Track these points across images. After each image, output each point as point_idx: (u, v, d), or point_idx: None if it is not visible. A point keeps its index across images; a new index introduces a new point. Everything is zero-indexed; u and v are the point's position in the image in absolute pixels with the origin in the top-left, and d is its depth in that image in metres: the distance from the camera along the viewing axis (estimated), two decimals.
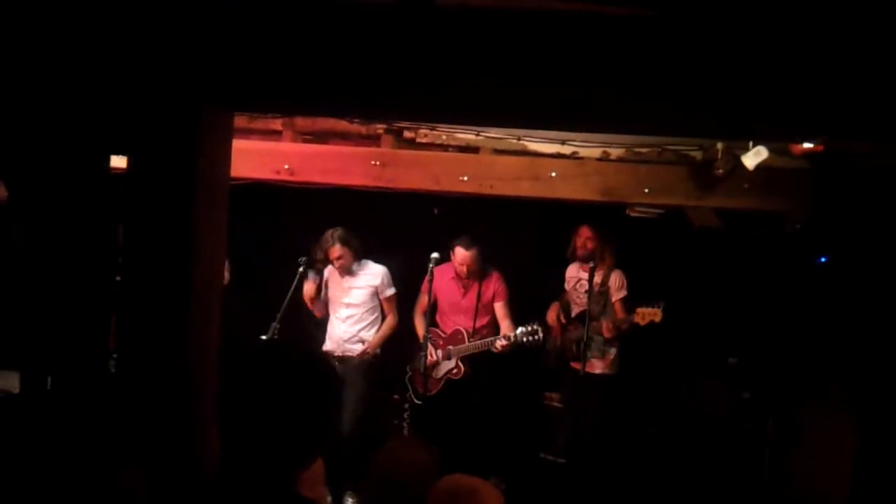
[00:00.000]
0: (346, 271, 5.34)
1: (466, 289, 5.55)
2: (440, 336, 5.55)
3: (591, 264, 5.17)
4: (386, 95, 2.59)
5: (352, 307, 5.40)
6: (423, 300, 5.46)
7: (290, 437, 1.60)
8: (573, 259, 5.38)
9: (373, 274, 5.43)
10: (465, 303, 5.55)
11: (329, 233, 5.27)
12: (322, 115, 4.29)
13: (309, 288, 5.35)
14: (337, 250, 5.23)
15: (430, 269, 5.20)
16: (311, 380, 1.65)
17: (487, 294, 5.52)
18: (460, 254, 5.41)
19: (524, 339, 5.24)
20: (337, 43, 2.56)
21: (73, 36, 2.57)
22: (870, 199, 4.20)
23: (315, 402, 1.64)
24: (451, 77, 2.57)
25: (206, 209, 2.60)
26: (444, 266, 5.50)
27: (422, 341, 5.38)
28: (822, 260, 4.14)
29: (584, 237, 5.25)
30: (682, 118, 2.68)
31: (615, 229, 5.31)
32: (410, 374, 5.64)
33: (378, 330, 5.46)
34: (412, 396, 5.59)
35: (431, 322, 5.47)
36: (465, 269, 5.44)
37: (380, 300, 5.47)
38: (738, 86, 2.56)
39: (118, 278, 2.64)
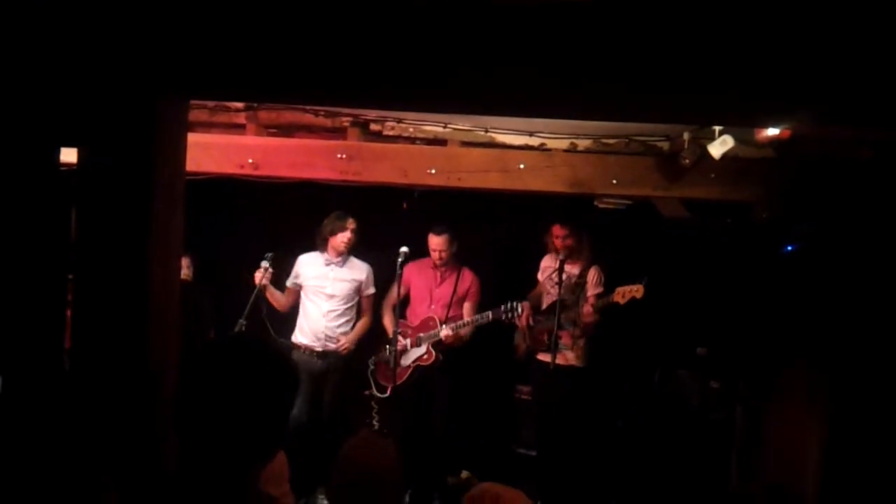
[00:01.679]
0: (343, 253, 5.28)
1: (443, 278, 5.52)
2: (409, 327, 5.51)
3: (562, 256, 5.16)
4: (346, 80, 2.54)
5: (334, 300, 5.33)
6: (393, 294, 5.42)
7: (248, 432, 1.58)
8: (562, 255, 5.30)
9: (359, 269, 5.41)
10: (440, 291, 5.51)
11: (335, 213, 5.26)
12: (282, 101, 4.20)
13: (260, 277, 5.17)
14: (354, 223, 5.23)
15: (398, 263, 5.16)
16: (267, 373, 1.63)
17: (463, 287, 5.50)
18: (432, 240, 5.40)
19: (501, 317, 5.23)
20: (293, 26, 2.50)
21: (19, 22, 2.49)
22: (836, 188, 4.23)
23: (272, 396, 1.62)
24: (415, 60, 2.52)
25: (162, 202, 2.54)
26: (420, 261, 5.50)
27: (391, 335, 5.33)
28: (790, 249, 4.16)
29: (560, 235, 5.23)
30: (650, 102, 2.66)
31: (584, 222, 5.30)
32: (373, 367, 5.59)
33: (353, 327, 5.43)
34: (374, 390, 5.54)
35: (401, 316, 5.43)
36: (438, 254, 5.41)
37: (360, 297, 5.42)
38: (711, 69, 2.54)
39: (70, 276, 2.56)
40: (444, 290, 5.51)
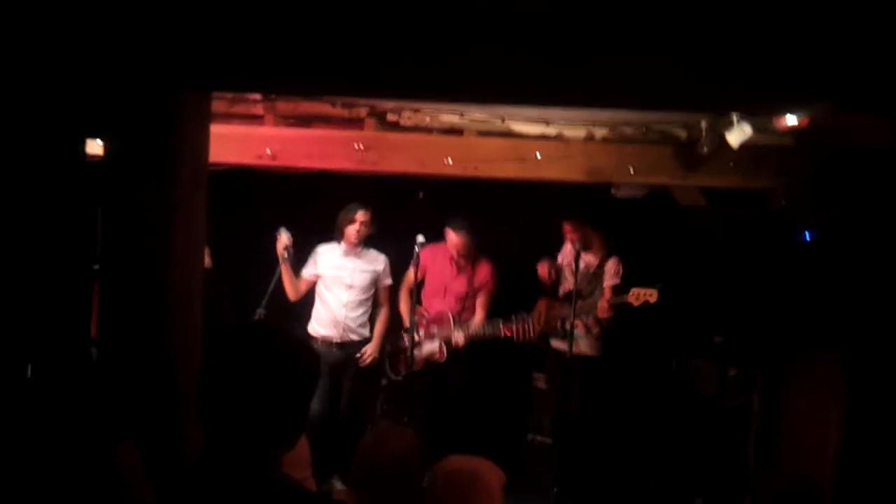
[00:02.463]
0: (356, 244, 5.30)
1: (460, 270, 5.54)
2: (423, 316, 5.54)
3: (578, 247, 5.17)
4: (368, 70, 2.55)
5: (353, 290, 5.35)
6: (410, 278, 5.44)
7: (271, 418, 1.59)
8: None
9: (377, 259, 5.43)
10: (457, 284, 5.53)
11: (353, 203, 5.28)
12: (301, 93, 4.22)
13: (282, 245, 5.17)
14: (366, 214, 5.24)
15: (415, 254, 5.17)
16: (291, 359, 1.64)
17: (479, 280, 5.53)
18: (451, 236, 5.43)
19: (512, 326, 5.31)
20: (313, 18, 2.51)
21: (46, 18, 2.52)
22: (855, 176, 4.21)
23: (296, 383, 1.64)
24: (433, 49, 2.53)
25: (185, 192, 2.57)
26: (437, 245, 5.50)
27: (407, 322, 5.37)
28: (808, 237, 4.14)
29: (567, 230, 5.28)
30: (666, 90, 2.66)
31: (598, 215, 5.30)
32: (390, 350, 5.63)
33: (369, 318, 5.46)
34: (389, 373, 5.58)
35: (416, 301, 5.45)
36: (457, 252, 5.45)
37: (378, 288, 5.45)
38: (728, 55, 2.54)
39: (96, 266, 2.60)
40: (460, 283, 5.53)
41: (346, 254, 5.35)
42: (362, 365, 5.39)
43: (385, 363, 5.63)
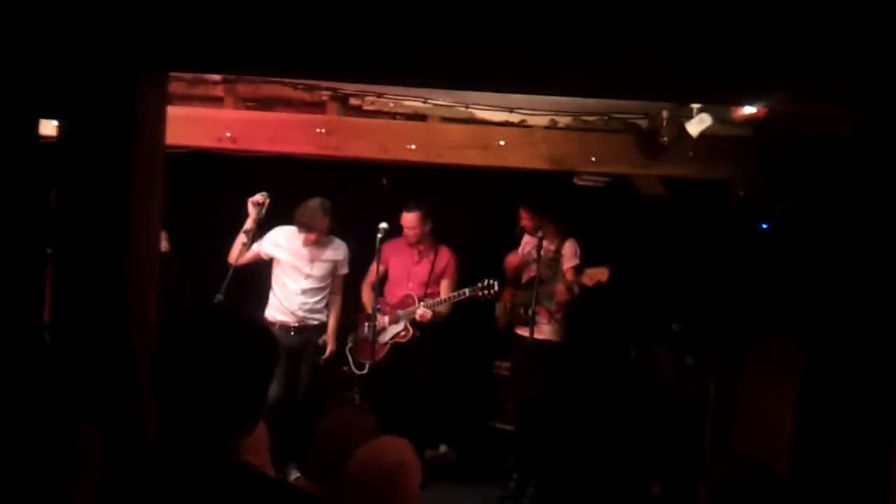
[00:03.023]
0: (316, 243, 5.26)
1: (421, 256, 5.56)
2: (387, 304, 5.53)
3: (540, 234, 5.20)
4: (326, 53, 2.53)
5: (311, 279, 5.32)
6: (372, 271, 5.43)
7: (227, 401, 1.57)
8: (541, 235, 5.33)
9: (337, 248, 5.40)
10: (419, 269, 5.54)
11: (319, 202, 5.19)
12: (262, 74, 4.17)
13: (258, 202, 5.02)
14: (325, 224, 5.19)
15: (378, 239, 5.14)
16: (248, 341, 1.62)
17: (440, 265, 5.54)
18: (404, 217, 5.44)
19: (478, 293, 5.27)
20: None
21: None
22: (812, 166, 4.28)
23: (253, 365, 1.62)
24: (398, 33, 2.51)
25: (141, 174, 2.52)
26: (398, 240, 5.52)
27: (369, 311, 5.35)
28: (764, 226, 4.21)
29: (523, 217, 5.31)
30: (626, 79, 2.68)
31: (555, 200, 5.33)
32: (352, 344, 5.62)
33: (326, 305, 5.43)
34: (352, 366, 5.57)
35: (379, 293, 5.44)
36: (411, 232, 5.45)
37: (334, 276, 5.42)
38: (687, 44, 2.56)
39: (49, 249, 2.54)
40: (422, 269, 5.54)
41: (307, 243, 5.30)
42: (322, 362, 5.38)
43: (348, 357, 5.61)
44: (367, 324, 5.38)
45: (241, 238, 5.08)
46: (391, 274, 5.62)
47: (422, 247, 5.55)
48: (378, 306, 5.32)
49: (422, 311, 5.37)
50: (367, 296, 5.55)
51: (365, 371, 5.46)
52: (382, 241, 5.17)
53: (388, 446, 2.45)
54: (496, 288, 5.27)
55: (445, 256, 5.55)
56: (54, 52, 2.44)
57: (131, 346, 2.50)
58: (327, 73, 3.47)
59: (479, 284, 5.31)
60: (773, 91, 2.73)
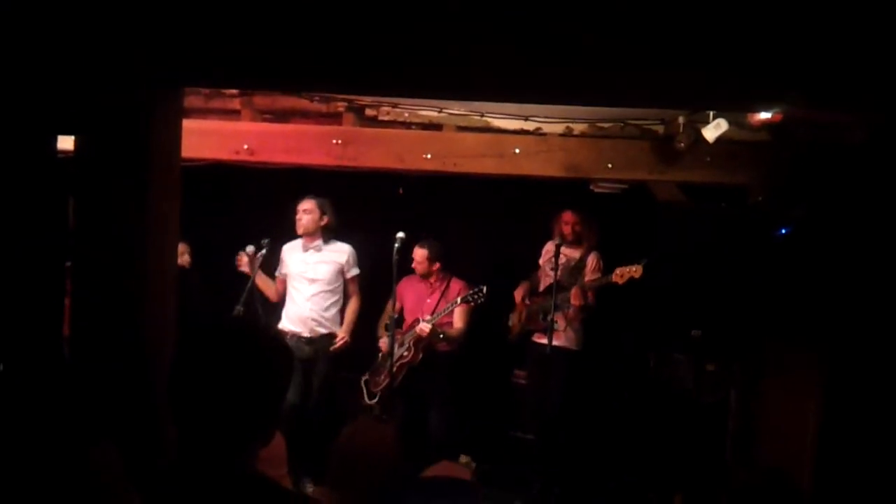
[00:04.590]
0: (310, 240, 5.26)
1: (432, 289, 5.59)
2: (399, 333, 5.54)
3: (557, 241, 5.18)
4: (339, 67, 2.54)
5: (317, 283, 5.29)
6: (388, 310, 5.42)
7: (244, 414, 1.59)
8: (560, 241, 5.30)
9: (340, 251, 5.36)
10: (430, 301, 5.57)
11: (313, 198, 5.21)
12: (275, 89, 4.22)
13: (243, 263, 5.18)
14: (307, 203, 5.18)
15: (395, 249, 5.12)
16: (263, 355, 1.64)
17: (451, 295, 5.53)
18: (415, 251, 5.50)
19: (469, 299, 5.30)
20: (286, 13, 2.50)
21: (18, 15, 2.48)
22: (830, 171, 4.24)
23: (268, 378, 1.63)
24: (411, 46, 2.52)
25: (158, 188, 2.54)
26: (410, 276, 5.59)
27: (385, 350, 5.37)
28: (783, 232, 4.17)
29: (571, 222, 5.27)
30: (640, 86, 2.68)
31: (589, 208, 5.33)
32: (367, 378, 5.65)
33: (340, 311, 5.41)
34: (365, 397, 5.58)
35: (398, 326, 5.47)
36: (418, 266, 5.52)
37: (345, 279, 5.42)
38: (701, 51, 2.55)
39: (68, 263, 2.57)
40: (433, 299, 5.57)
41: (306, 248, 5.30)
42: (334, 350, 5.33)
43: (362, 390, 5.62)
44: (380, 354, 5.45)
45: (260, 281, 5.21)
46: (406, 307, 5.65)
47: (433, 280, 5.58)
48: (393, 334, 5.33)
49: (421, 326, 5.37)
50: (383, 340, 5.56)
51: (375, 400, 5.47)
52: (399, 250, 5.16)
53: (455, 472, 2.46)
54: (484, 292, 5.27)
55: (456, 288, 5.55)
56: (71, 69, 2.47)
57: (148, 358, 2.51)
58: (342, 87, 3.51)
59: (470, 292, 5.32)
60: (787, 97, 2.71)
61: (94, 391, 2.51)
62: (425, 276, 5.57)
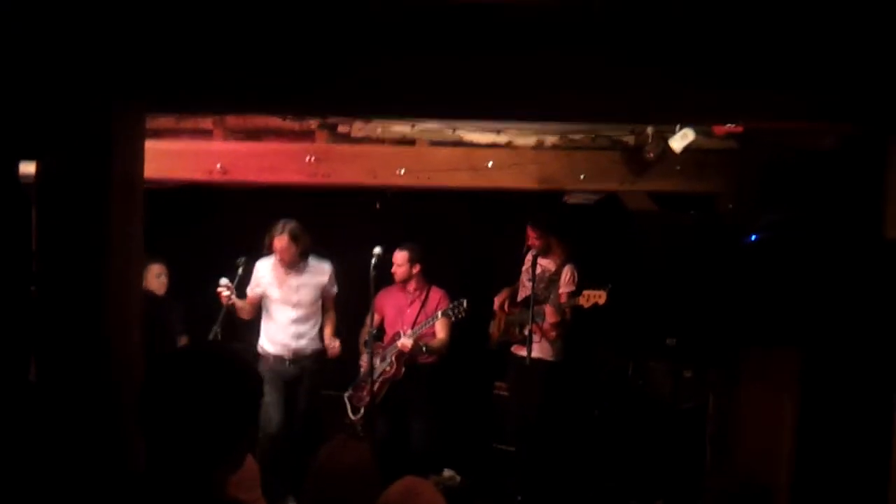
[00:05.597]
0: (290, 266, 5.24)
1: (412, 298, 5.58)
2: (380, 347, 5.55)
3: (535, 252, 5.22)
4: (301, 88, 2.56)
5: (300, 307, 5.29)
6: (367, 326, 5.42)
7: (212, 439, 1.60)
8: (537, 252, 5.36)
9: (321, 271, 5.36)
10: (410, 311, 5.57)
11: (282, 223, 5.17)
12: (239, 112, 4.23)
13: (225, 297, 5.08)
14: (283, 241, 5.13)
15: (372, 265, 5.12)
16: (231, 380, 1.65)
17: (431, 306, 5.55)
18: (395, 254, 5.50)
19: (449, 313, 5.32)
20: (250, 35, 2.51)
21: None
22: (799, 177, 4.29)
23: (236, 402, 1.64)
24: (369, 68, 2.54)
25: (119, 211, 2.54)
26: (389, 287, 5.60)
27: (366, 367, 5.36)
28: (754, 238, 4.21)
29: (531, 236, 5.34)
30: (609, 104, 2.71)
31: (558, 220, 5.37)
32: (350, 393, 5.64)
33: (321, 327, 5.41)
34: (349, 413, 5.57)
35: (378, 339, 5.50)
36: (398, 270, 5.51)
37: (324, 297, 5.41)
38: (664, 69, 2.58)
39: (33, 287, 2.56)
40: (413, 310, 5.58)
41: (288, 270, 5.26)
42: (333, 356, 5.33)
43: (346, 406, 5.61)
44: (362, 370, 5.45)
45: (235, 302, 5.12)
46: (386, 320, 5.66)
47: (412, 287, 5.59)
48: (372, 350, 5.32)
49: (402, 341, 5.38)
50: (363, 357, 5.57)
51: (360, 416, 5.46)
52: (377, 265, 5.16)
53: (421, 490, 2.46)
54: (465, 306, 5.29)
55: (436, 297, 5.57)
56: (32, 93, 2.47)
57: (114, 380, 2.51)
58: (304, 109, 3.51)
59: (450, 305, 5.34)
60: (744, 112, 2.75)
61: (61, 414, 2.50)
62: (405, 282, 5.56)
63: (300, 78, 2.65)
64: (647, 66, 2.58)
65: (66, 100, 2.44)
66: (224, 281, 5.07)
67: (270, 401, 5.08)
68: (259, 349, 5.33)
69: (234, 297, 5.07)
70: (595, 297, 4.91)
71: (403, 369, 5.45)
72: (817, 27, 2.60)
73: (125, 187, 2.57)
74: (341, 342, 5.43)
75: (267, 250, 5.24)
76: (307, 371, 5.32)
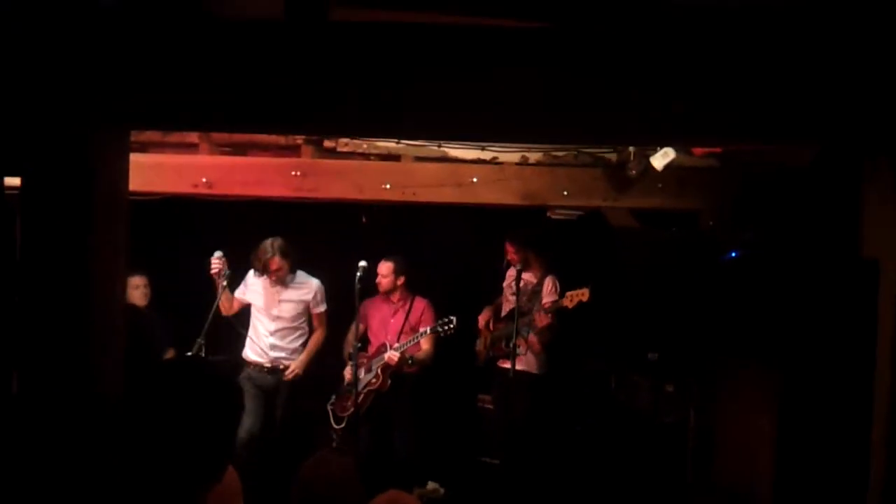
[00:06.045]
0: (280, 282, 5.28)
1: (396, 308, 5.61)
2: (365, 357, 5.56)
3: (519, 267, 5.27)
4: (282, 109, 2.60)
5: (279, 320, 5.31)
6: (351, 335, 5.44)
7: (192, 452, 1.61)
8: (521, 266, 5.41)
9: (307, 288, 5.36)
10: (394, 321, 5.59)
11: (269, 242, 5.16)
12: (220, 130, 4.27)
13: (216, 268, 5.09)
14: (277, 262, 5.14)
15: (357, 278, 5.14)
16: (210, 394, 1.66)
17: (415, 315, 5.57)
18: (380, 265, 5.52)
19: (438, 329, 5.34)
20: (229, 58, 2.55)
21: None
22: (777, 194, 4.35)
23: (216, 417, 1.65)
24: (345, 91, 2.59)
25: (102, 226, 2.57)
26: (375, 297, 5.61)
27: (349, 378, 5.37)
28: (733, 255, 4.27)
29: (509, 251, 5.41)
30: (578, 128, 2.77)
31: (537, 235, 5.41)
32: (333, 403, 5.64)
33: (304, 343, 5.41)
34: (332, 421, 5.57)
35: (363, 349, 5.50)
36: (383, 280, 5.52)
37: (310, 314, 5.43)
38: (632, 93, 2.64)
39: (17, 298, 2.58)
40: (397, 320, 5.60)
41: (274, 283, 5.28)
42: (286, 379, 5.31)
43: (329, 414, 5.62)
44: (345, 379, 5.44)
45: (220, 291, 5.10)
46: (370, 329, 5.66)
47: (396, 298, 5.61)
48: (356, 361, 5.33)
49: (389, 355, 5.40)
50: (348, 352, 5.57)
51: (342, 425, 5.47)
52: (362, 279, 5.18)
53: (404, 502, 2.48)
54: (454, 323, 5.32)
55: (420, 307, 5.60)
56: (15, 109, 2.50)
57: (96, 392, 2.52)
58: (282, 129, 3.55)
59: (439, 322, 5.37)
60: (721, 132, 2.81)
61: (43, 425, 2.51)
62: (389, 293, 5.59)
63: (274, 99, 2.67)
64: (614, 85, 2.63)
65: (48, 117, 2.46)
66: (219, 253, 5.07)
67: (249, 406, 5.08)
68: (243, 355, 5.37)
69: (225, 271, 5.05)
70: (578, 295, 4.94)
71: (389, 382, 5.46)
72: (792, 49, 2.66)
73: (108, 201, 2.60)
74: (312, 364, 5.41)
75: (260, 273, 5.24)
76: (285, 382, 5.32)
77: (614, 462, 5.37)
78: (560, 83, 2.59)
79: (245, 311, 5.44)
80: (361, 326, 5.43)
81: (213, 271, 5.08)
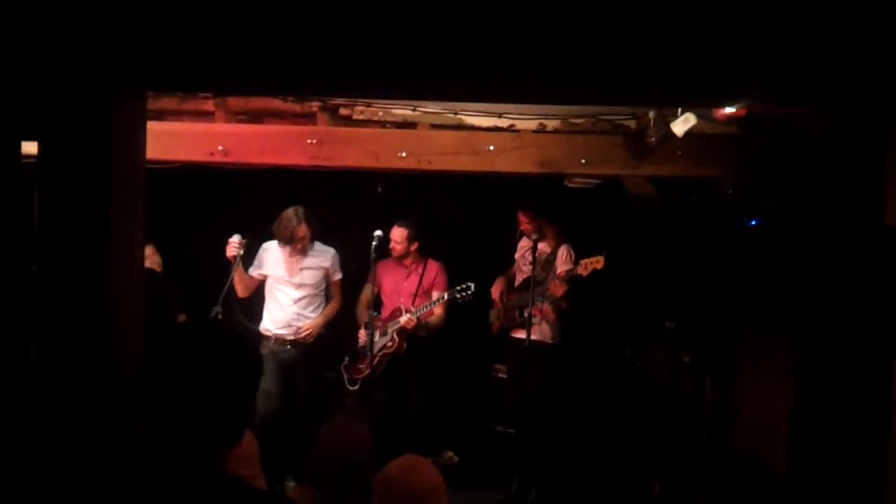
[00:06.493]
0: (301, 251, 5.27)
1: (409, 271, 5.61)
2: (379, 320, 5.57)
3: (535, 237, 5.24)
4: (301, 71, 2.56)
5: (303, 288, 5.33)
6: (367, 293, 5.46)
7: (211, 415, 1.61)
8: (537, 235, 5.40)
9: (325, 255, 5.40)
10: (407, 284, 5.60)
11: (292, 211, 5.20)
12: (239, 93, 4.23)
13: (234, 250, 5.11)
14: (303, 230, 5.17)
15: (373, 247, 5.16)
16: (230, 356, 1.66)
17: (428, 278, 5.60)
18: (393, 231, 5.53)
19: (456, 296, 5.35)
20: (250, 15, 2.51)
21: None
22: (799, 162, 4.29)
23: (235, 379, 1.65)
24: (377, 49, 2.55)
25: (121, 192, 2.56)
26: (388, 259, 5.61)
27: (363, 327, 5.39)
28: (753, 223, 4.22)
29: (523, 221, 5.39)
30: (602, 88, 2.72)
31: (551, 203, 5.38)
32: (347, 363, 5.65)
33: (322, 312, 5.43)
34: (346, 383, 5.60)
35: (376, 311, 5.50)
36: (396, 247, 5.53)
37: (328, 282, 5.43)
38: (663, 51, 2.59)
39: (35, 267, 2.58)
40: (410, 283, 5.62)
41: (293, 253, 5.30)
42: (298, 337, 5.32)
43: (343, 375, 5.63)
44: (360, 342, 5.46)
45: (237, 274, 5.11)
46: (384, 292, 5.69)
47: (409, 261, 5.63)
48: (372, 322, 5.35)
49: (406, 318, 5.42)
50: (361, 315, 5.58)
51: (357, 387, 5.49)
52: (377, 248, 5.20)
53: (421, 467, 2.49)
54: (472, 290, 5.31)
55: (434, 270, 5.62)
56: (34, 75, 2.48)
57: (113, 358, 2.53)
58: (304, 90, 3.51)
59: (457, 288, 5.37)
60: (748, 93, 2.75)
61: (61, 391, 2.52)
62: (402, 258, 5.59)
63: (295, 59, 2.64)
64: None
65: (67, 83, 2.44)
66: (237, 237, 5.07)
67: (270, 381, 5.12)
68: (261, 329, 5.36)
69: (241, 253, 5.06)
70: (593, 263, 4.93)
71: (405, 345, 5.49)
72: (813, 16, 2.60)
73: (127, 169, 2.59)
74: (325, 331, 5.42)
75: (286, 243, 5.24)
76: (307, 354, 5.35)
77: (629, 432, 5.37)
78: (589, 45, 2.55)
79: (249, 299, 5.42)
80: (376, 287, 5.44)
81: (230, 254, 5.08)
